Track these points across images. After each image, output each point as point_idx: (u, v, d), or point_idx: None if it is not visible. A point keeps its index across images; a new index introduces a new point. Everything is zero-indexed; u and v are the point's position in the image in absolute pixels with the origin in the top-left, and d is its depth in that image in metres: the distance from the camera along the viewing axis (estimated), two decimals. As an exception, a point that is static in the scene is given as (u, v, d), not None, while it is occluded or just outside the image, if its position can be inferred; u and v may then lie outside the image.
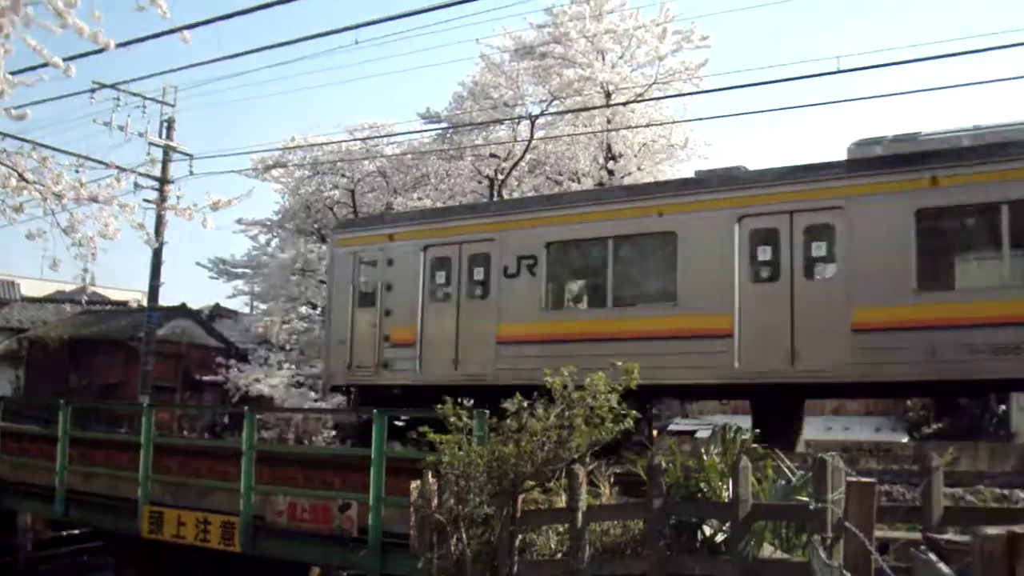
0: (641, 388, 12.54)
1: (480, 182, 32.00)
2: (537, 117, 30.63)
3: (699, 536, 10.92)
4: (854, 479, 8.60)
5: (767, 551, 10.43)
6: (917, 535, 9.00)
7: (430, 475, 12.34)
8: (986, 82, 40.79)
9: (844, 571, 7.22)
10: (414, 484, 12.77)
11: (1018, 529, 4.68)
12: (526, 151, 30.67)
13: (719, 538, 10.80)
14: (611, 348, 16.81)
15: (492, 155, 31.46)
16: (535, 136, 30.54)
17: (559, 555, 11.54)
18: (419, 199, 32.22)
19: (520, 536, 11.59)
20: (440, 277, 21.33)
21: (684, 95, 30.83)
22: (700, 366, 17.79)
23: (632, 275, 19.86)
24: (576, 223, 19.90)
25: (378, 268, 22.09)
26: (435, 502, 12.17)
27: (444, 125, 33.17)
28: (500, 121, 31.25)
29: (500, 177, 31.10)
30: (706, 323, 17.86)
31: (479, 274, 20.77)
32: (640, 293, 19.70)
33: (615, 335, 18.34)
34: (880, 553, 8.75)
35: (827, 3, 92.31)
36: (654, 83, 30.25)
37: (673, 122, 30.96)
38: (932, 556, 6.63)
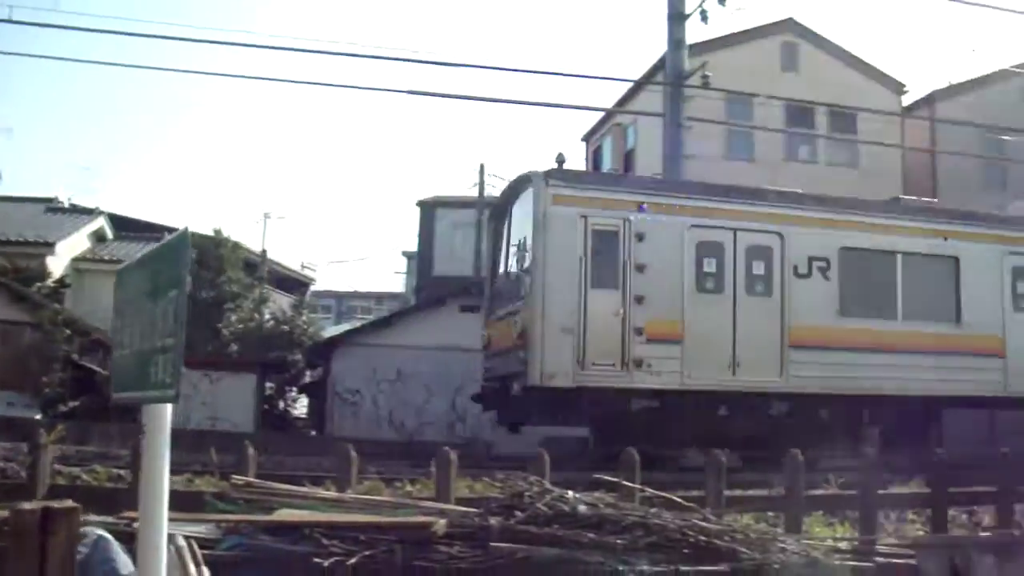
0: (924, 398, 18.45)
1: None
2: None
3: None
4: None
5: None
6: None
7: None
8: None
9: None
10: None
11: (56, 505, 4.90)
12: None
13: None
14: (899, 359, 19.46)
15: None
16: None
17: None
18: None
19: None
20: (709, 264, 19.19)
21: None
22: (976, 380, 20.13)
23: (919, 291, 20.50)
24: (868, 232, 20.25)
25: (620, 241, 18.65)
26: None
27: None
28: None
29: None
30: (984, 343, 20.36)
31: (759, 268, 19.47)
32: (926, 309, 20.55)
33: (904, 347, 19.65)
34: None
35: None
36: None
37: None
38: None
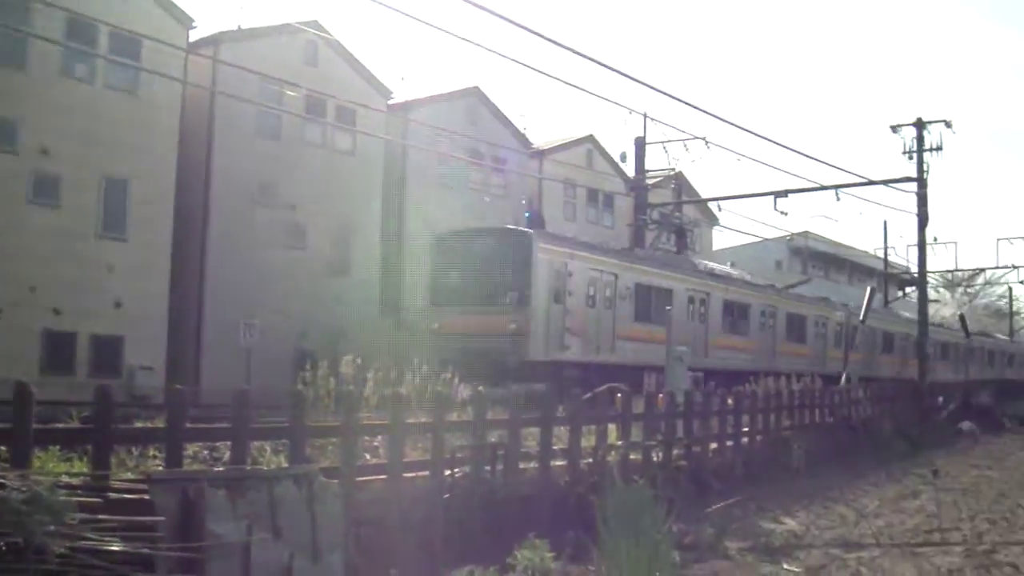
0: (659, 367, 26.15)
1: None
2: None
3: None
4: None
5: None
6: None
7: None
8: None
9: None
10: None
11: None
12: None
13: None
14: (653, 347, 29.16)
15: None
16: None
17: None
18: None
19: None
20: (591, 290, 30.73)
21: None
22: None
23: (660, 307, 31.11)
24: (643, 275, 33.50)
25: (561, 276, 29.35)
26: None
27: None
28: None
29: None
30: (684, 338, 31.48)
31: (608, 292, 31.43)
32: (662, 317, 31.29)
33: (654, 340, 29.69)
34: None
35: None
36: None
37: None
38: None
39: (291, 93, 31.97)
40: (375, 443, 12.61)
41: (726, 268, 42.62)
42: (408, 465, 11.83)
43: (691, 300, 35.97)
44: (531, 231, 30.50)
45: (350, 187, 37.32)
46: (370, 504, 10.98)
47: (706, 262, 42.57)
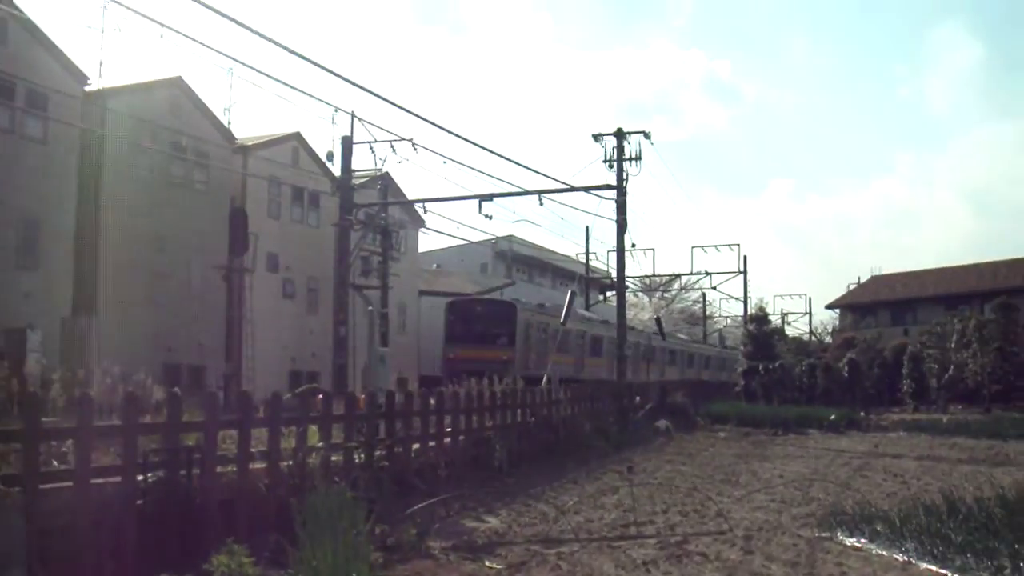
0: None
1: None
2: None
3: None
4: None
5: None
6: None
7: None
8: None
9: None
10: None
11: None
12: None
13: None
14: (569, 367, 50.87)
15: None
16: None
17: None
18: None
19: None
20: (539, 334, 49.99)
21: None
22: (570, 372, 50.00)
23: (567, 343, 51.00)
24: (546, 318, 50.34)
25: (528, 326, 49.35)
26: None
27: None
28: None
29: None
30: (571, 360, 52.54)
31: (544, 335, 49.52)
32: (569, 348, 52.22)
33: (565, 362, 49.90)
34: None
35: None
36: None
37: None
38: None
39: None
40: (64, 448, 11.90)
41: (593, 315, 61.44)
42: (98, 471, 11.24)
43: (578, 336, 54.18)
44: (515, 302, 51.41)
45: (41, 177, 35.27)
46: (56, 513, 10.39)
47: (586, 312, 60.85)
